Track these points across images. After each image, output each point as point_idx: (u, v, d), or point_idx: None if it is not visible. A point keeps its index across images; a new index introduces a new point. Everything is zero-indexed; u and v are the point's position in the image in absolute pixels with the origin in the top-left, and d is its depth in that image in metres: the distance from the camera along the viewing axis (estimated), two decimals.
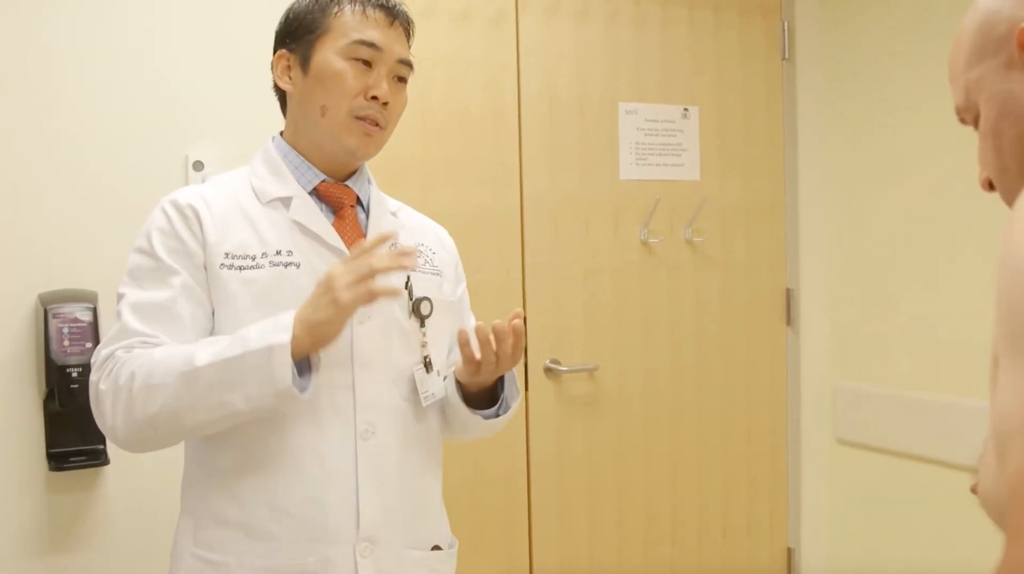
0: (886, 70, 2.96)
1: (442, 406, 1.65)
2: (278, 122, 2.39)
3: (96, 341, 2.15)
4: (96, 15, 2.28)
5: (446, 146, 2.64)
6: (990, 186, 0.94)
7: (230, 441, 1.47)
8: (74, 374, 2.14)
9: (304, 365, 1.42)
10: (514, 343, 1.51)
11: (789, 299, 3.17)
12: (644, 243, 2.92)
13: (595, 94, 2.86)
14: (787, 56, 3.15)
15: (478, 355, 1.52)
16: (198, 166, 2.35)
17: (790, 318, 3.17)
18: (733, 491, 3.09)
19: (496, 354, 1.52)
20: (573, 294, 2.83)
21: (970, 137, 2.68)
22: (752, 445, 3.12)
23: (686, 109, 3.00)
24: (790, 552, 3.18)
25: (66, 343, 2.14)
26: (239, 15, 2.40)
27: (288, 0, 2.39)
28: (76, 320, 2.16)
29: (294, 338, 1.37)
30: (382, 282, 1.45)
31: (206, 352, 1.39)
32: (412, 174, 2.59)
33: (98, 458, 2.21)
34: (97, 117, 2.28)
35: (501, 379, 1.63)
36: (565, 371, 2.79)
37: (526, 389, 2.75)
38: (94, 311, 2.17)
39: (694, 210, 2.96)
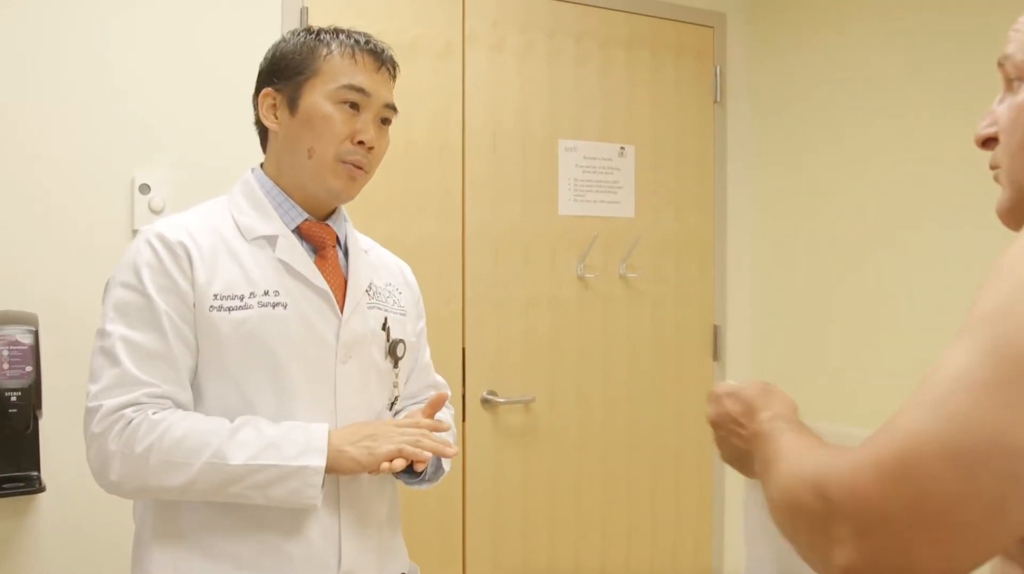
0: (811, 114, 3.09)
1: None
2: (227, 148, 2.40)
3: (37, 364, 2.11)
4: (46, 34, 2.25)
5: (391, 176, 2.65)
6: (984, 144, 0.97)
7: None
8: (13, 398, 2.07)
9: None
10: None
11: (716, 334, 3.26)
12: (580, 278, 2.98)
13: (537, 130, 2.92)
14: (718, 99, 3.25)
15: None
16: (144, 189, 2.33)
17: (717, 353, 3.26)
18: (660, 521, 3.15)
19: None
20: (511, 326, 2.87)
21: (888, 178, 2.77)
22: (679, 475, 3.19)
23: (622, 148, 3.08)
24: None
25: (5, 366, 2.08)
26: (191, 41, 2.40)
27: (238, 31, 2.43)
28: (16, 343, 2.10)
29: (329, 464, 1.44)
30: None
31: (236, 448, 1.41)
32: (357, 203, 2.59)
33: (32, 485, 2.16)
34: (42, 136, 2.24)
35: None
36: (502, 402, 2.82)
37: (463, 420, 2.77)
38: (35, 334, 2.11)
39: (628, 246, 3.03)
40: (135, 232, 2.31)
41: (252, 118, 2.50)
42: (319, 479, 1.42)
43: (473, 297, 2.80)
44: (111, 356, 1.44)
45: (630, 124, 3.09)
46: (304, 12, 2.52)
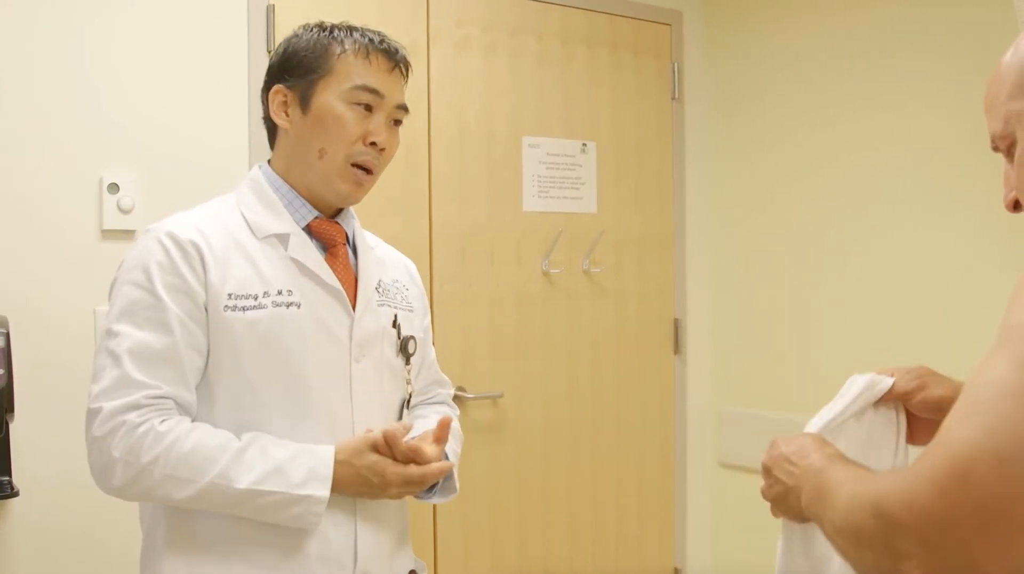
0: (767, 110, 3.16)
1: None
2: (196, 147, 2.39)
3: (8, 367, 2.08)
4: (17, 31, 2.21)
5: None
6: (1015, 207, 1.03)
7: None
8: None
9: None
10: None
11: (677, 328, 3.31)
12: (545, 273, 3.01)
13: (501, 128, 2.94)
14: (676, 96, 3.30)
15: None
16: (113, 189, 2.30)
17: (678, 346, 3.31)
18: (625, 513, 3.19)
19: None
20: (479, 323, 2.89)
21: (844, 172, 2.85)
22: (642, 468, 3.23)
23: (584, 144, 3.11)
24: (676, 572, 3.30)
25: None
26: (157, 40, 2.38)
27: (204, 29, 2.42)
28: None
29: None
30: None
31: (242, 471, 1.40)
32: None
33: (4, 490, 2.12)
34: (10, 136, 2.21)
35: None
36: (471, 398, 2.84)
37: None
38: (6, 336, 2.09)
39: (592, 242, 3.07)
40: (104, 232, 2.30)
41: (223, 117, 2.51)
42: (322, 508, 1.43)
43: (441, 295, 2.81)
44: (114, 357, 1.42)
45: (591, 121, 3.13)
46: (271, 10, 2.52)
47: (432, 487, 1.66)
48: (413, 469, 1.48)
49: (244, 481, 1.39)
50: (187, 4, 2.42)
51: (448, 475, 1.67)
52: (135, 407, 1.40)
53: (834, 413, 1.33)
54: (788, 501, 1.19)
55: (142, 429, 1.39)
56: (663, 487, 3.29)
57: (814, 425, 1.32)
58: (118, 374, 1.41)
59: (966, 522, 0.77)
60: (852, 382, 1.37)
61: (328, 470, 1.44)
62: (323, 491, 1.42)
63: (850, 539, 0.90)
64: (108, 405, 1.40)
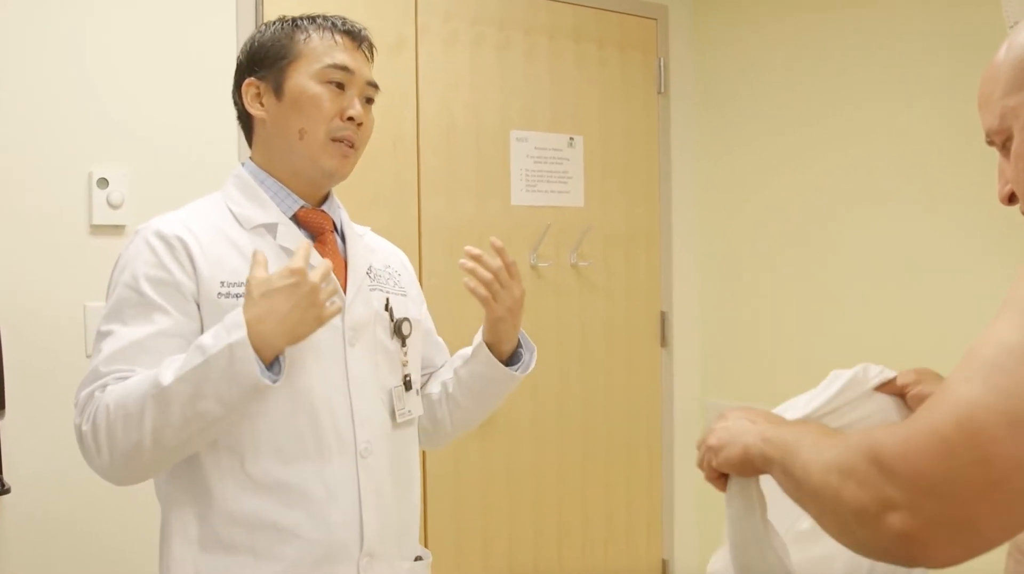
0: (752, 104, 3.18)
1: (443, 400, 1.80)
2: (186, 141, 2.39)
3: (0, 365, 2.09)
4: (8, 27, 2.21)
5: None
6: (1009, 200, 1.04)
7: (234, 468, 1.46)
8: None
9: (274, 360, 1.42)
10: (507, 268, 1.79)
11: (664, 321, 3.33)
12: (533, 267, 3.02)
13: (489, 122, 2.95)
14: (662, 91, 3.32)
15: (482, 290, 1.77)
16: (102, 183, 2.30)
17: (664, 339, 3.33)
18: (613, 505, 3.21)
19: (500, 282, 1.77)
20: (469, 317, 2.88)
21: (829, 166, 2.87)
22: (630, 461, 3.26)
23: (572, 138, 3.12)
24: (664, 563, 3.33)
25: None
26: (146, 34, 2.38)
27: (193, 23, 2.42)
28: None
29: (258, 335, 1.35)
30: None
31: (169, 370, 1.37)
32: None
33: None
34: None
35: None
36: None
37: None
38: None
39: (579, 236, 3.08)
40: (93, 227, 2.30)
41: (212, 111, 2.50)
42: (249, 351, 1.34)
43: (430, 289, 2.81)
44: (97, 353, 1.45)
45: (578, 115, 3.14)
46: (259, 4, 2.52)
47: (516, 360, 1.85)
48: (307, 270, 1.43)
49: (169, 375, 1.35)
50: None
51: (528, 347, 1.88)
52: (100, 386, 1.42)
53: (811, 409, 1.32)
54: (727, 450, 1.17)
55: (96, 396, 1.41)
56: (651, 480, 3.31)
57: (784, 412, 1.33)
58: (93, 366, 1.43)
59: (969, 480, 0.77)
60: (834, 377, 1.37)
61: (237, 317, 1.36)
62: (239, 333, 1.34)
63: (832, 484, 0.88)
64: (82, 394, 1.43)
